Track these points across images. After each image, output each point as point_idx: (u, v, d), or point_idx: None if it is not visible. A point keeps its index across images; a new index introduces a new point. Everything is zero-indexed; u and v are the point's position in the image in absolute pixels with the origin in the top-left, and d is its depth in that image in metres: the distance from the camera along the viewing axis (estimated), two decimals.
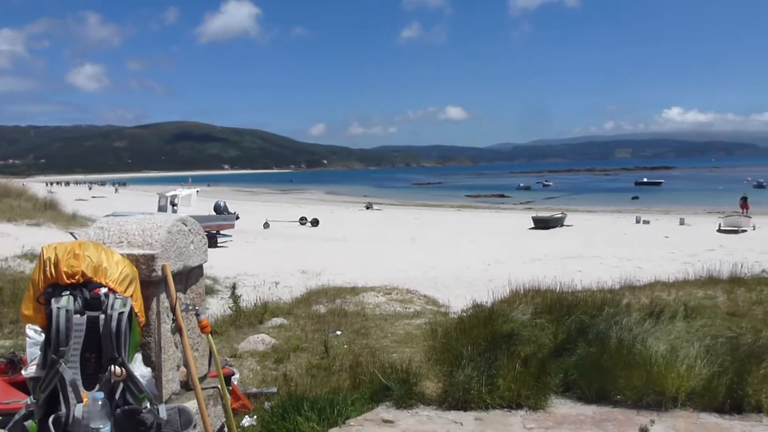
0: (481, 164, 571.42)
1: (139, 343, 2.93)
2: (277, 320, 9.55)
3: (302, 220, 40.98)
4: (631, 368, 5.63)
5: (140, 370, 2.87)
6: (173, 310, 2.99)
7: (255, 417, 5.11)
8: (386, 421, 5.15)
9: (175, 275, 3.07)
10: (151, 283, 3.05)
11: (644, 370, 5.55)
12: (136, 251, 3.06)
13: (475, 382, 5.54)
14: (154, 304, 3.00)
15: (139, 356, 2.93)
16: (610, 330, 6.35)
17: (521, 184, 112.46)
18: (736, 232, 33.51)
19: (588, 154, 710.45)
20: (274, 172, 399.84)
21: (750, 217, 37.84)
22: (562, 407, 5.46)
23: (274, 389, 6.21)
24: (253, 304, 10.69)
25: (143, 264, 3.03)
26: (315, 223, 40.17)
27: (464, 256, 24.09)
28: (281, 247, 26.60)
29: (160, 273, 2.96)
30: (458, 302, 11.28)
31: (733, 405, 5.27)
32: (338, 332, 8.83)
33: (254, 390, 6.25)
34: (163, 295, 3.01)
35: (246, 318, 9.59)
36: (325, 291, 11.92)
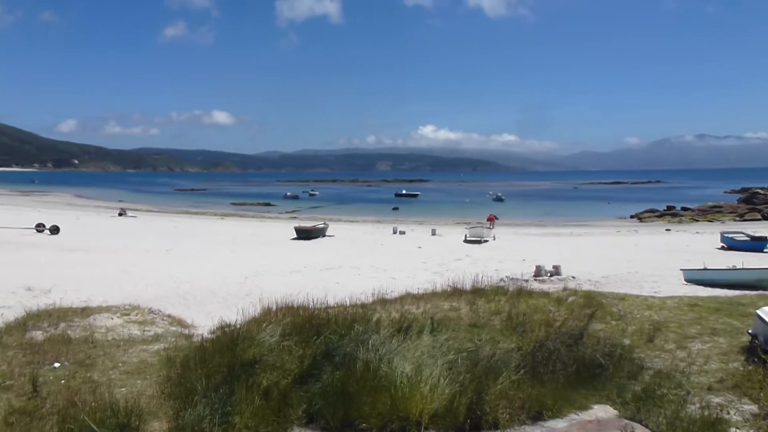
0: (249, 171, 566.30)
1: None
2: None
3: (39, 227, 36.33)
4: (377, 392, 5.45)
5: None
6: None
7: None
8: None
9: None
10: None
11: (389, 394, 5.42)
12: None
13: (207, 421, 4.96)
14: None
15: None
16: (358, 351, 6.17)
17: (288, 193, 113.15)
18: (479, 242, 36.78)
19: (352, 165, 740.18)
20: (13, 171, 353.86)
21: (492, 228, 42.02)
22: None
23: None
24: None
25: None
26: (55, 230, 35.89)
27: (222, 268, 23.08)
28: (6, 259, 23.16)
29: None
30: (208, 321, 10.50)
31: (473, 424, 5.33)
32: (56, 364, 7.66)
33: None
34: None
35: None
36: (48, 313, 10.26)
